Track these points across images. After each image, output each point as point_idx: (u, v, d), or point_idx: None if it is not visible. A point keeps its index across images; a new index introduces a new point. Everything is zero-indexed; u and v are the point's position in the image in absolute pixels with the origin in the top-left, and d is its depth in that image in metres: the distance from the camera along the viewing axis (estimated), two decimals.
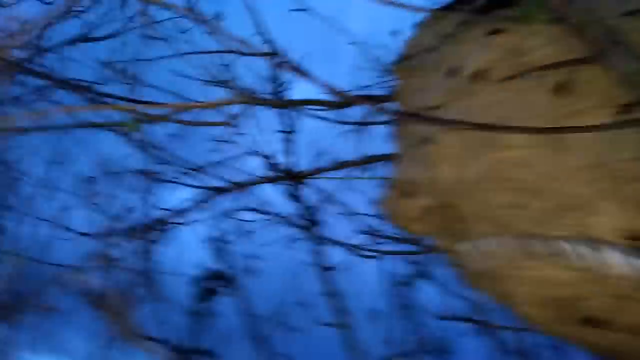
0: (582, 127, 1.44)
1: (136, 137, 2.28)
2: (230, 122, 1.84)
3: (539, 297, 1.78)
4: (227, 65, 2.61)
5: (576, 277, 1.66)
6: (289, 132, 3.48)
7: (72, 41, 2.86)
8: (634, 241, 1.56)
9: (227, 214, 3.48)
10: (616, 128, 1.42)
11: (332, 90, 2.41)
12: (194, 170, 2.94)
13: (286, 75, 3.16)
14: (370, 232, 3.30)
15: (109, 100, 2.25)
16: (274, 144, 3.41)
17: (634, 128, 1.46)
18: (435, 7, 2.26)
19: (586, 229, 1.62)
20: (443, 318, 3.62)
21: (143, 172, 2.70)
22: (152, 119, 2.12)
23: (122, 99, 2.24)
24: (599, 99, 1.60)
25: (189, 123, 1.84)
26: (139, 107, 2.17)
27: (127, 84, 2.27)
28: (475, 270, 2.04)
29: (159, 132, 2.44)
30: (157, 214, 3.26)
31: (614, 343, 1.74)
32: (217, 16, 3.35)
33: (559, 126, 1.47)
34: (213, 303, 3.76)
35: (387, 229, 3.31)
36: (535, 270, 1.73)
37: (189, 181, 3.04)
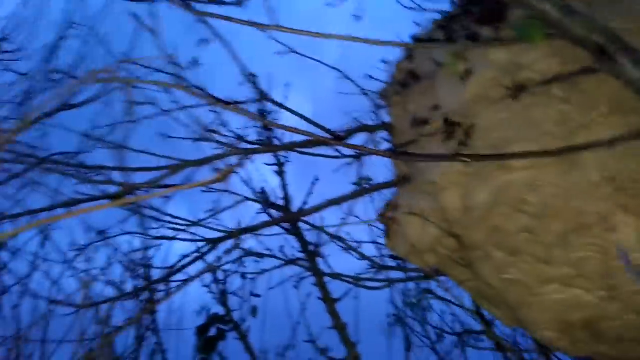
0: (594, 143, 1.39)
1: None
2: (223, 176, 1.77)
3: (562, 322, 1.71)
4: (215, 118, 2.57)
5: (599, 297, 1.61)
6: (283, 173, 3.45)
7: (52, 112, 2.81)
8: None
9: (228, 262, 3.42)
10: (630, 139, 1.37)
11: (324, 128, 2.37)
12: (190, 224, 2.87)
13: (275, 117, 3.15)
14: (375, 263, 3.25)
15: (96, 171, 2.17)
16: (270, 186, 3.37)
17: None
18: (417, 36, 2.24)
19: (606, 247, 1.57)
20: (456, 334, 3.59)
21: (138, 233, 2.62)
22: (143, 186, 2.05)
23: (109, 168, 2.17)
24: (608, 109, 1.56)
25: (180, 187, 1.78)
26: (128, 175, 2.10)
27: (113, 150, 2.20)
28: (491, 299, 1.98)
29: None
30: (157, 272, 3.17)
31: None
32: (194, 62, 3.32)
33: (569, 146, 1.42)
34: (219, 349, 3.72)
35: (392, 259, 3.26)
36: (557, 294, 1.67)
37: (186, 236, 2.96)
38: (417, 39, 2.21)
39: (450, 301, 3.30)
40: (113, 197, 1.92)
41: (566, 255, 1.59)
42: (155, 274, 3.13)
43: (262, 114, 3.37)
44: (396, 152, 1.95)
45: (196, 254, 3.03)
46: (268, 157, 3.60)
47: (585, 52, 1.29)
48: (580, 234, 1.55)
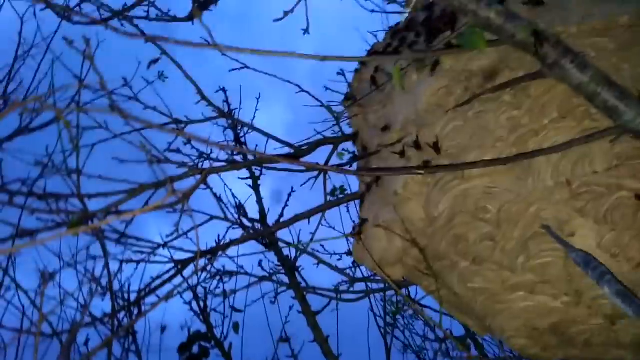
0: (546, 149, 1.37)
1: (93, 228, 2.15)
2: (185, 198, 1.74)
3: (531, 329, 1.69)
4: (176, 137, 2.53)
5: (565, 303, 1.59)
6: (254, 189, 3.41)
7: (8, 137, 2.75)
8: (615, 256, 1.50)
9: (203, 281, 3.37)
10: (581, 143, 1.35)
11: (288, 144, 2.34)
12: (158, 247, 2.81)
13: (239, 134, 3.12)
14: (349, 276, 3.22)
15: (51, 199, 2.12)
16: (240, 203, 3.33)
17: (599, 139, 1.39)
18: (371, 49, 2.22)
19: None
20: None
21: (105, 256, 2.56)
22: (101, 212, 2.00)
23: (64, 196, 2.11)
24: (558, 113, 1.55)
25: (137, 211, 1.74)
26: (84, 202, 2.05)
27: (68, 176, 2.14)
28: (461, 309, 1.95)
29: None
30: (130, 295, 3.11)
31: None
32: (160, 76, 3.28)
33: (521, 153, 1.40)
34: None
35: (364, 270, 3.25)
36: (523, 301, 1.65)
37: (156, 259, 2.90)
38: (372, 51, 2.19)
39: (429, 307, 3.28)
40: (70, 224, 1.86)
41: (529, 261, 1.57)
42: (126, 296, 3.06)
43: (230, 128, 3.34)
44: (343, 168, 1.93)
45: (169, 275, 2.97)
46: (243, 172, 3.56)
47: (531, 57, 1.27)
48: (540, 240, 1.53)
